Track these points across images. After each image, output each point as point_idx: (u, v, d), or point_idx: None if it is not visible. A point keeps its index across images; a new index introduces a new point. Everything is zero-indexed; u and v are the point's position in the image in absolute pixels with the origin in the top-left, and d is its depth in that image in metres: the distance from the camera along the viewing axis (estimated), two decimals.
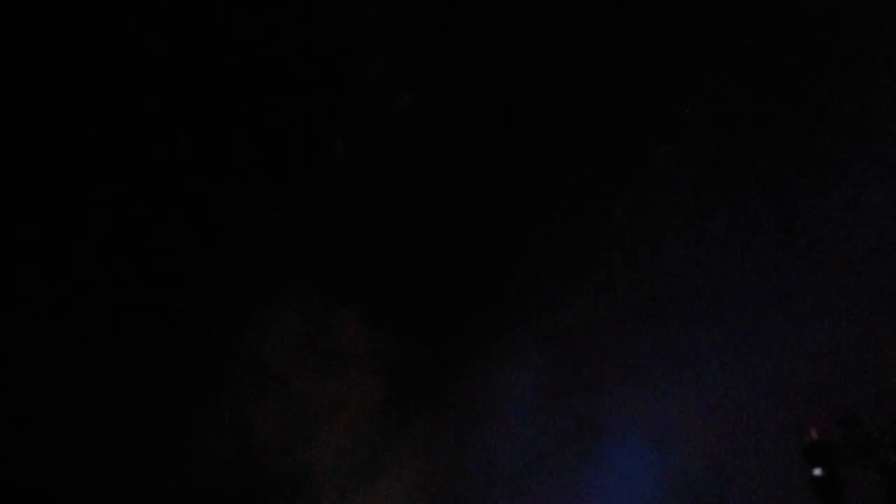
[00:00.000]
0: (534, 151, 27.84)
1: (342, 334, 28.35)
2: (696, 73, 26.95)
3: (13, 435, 25.49)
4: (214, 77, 26.91)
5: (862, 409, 18.13)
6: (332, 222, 28.44)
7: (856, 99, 24.95)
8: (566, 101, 27.50)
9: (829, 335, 23.22)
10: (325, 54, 27.65)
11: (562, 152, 27.74)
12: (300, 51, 27.64)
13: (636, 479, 24.78)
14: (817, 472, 18.10)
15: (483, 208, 28.15)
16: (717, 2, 26.87)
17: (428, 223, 28.09)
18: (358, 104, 28.11)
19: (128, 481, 25.82)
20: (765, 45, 26.28)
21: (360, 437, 27.81)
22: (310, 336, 28.30)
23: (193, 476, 26.46)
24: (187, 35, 26.79)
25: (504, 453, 26.69)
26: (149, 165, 26.85)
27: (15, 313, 25.57)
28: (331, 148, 28.18)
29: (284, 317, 28.14)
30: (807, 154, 25.46)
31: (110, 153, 26.68)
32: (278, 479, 27.28)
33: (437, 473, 27.24)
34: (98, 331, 26.13)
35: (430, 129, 27.96)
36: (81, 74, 26.24)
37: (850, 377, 21.63)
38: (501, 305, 27.72)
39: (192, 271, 27.30)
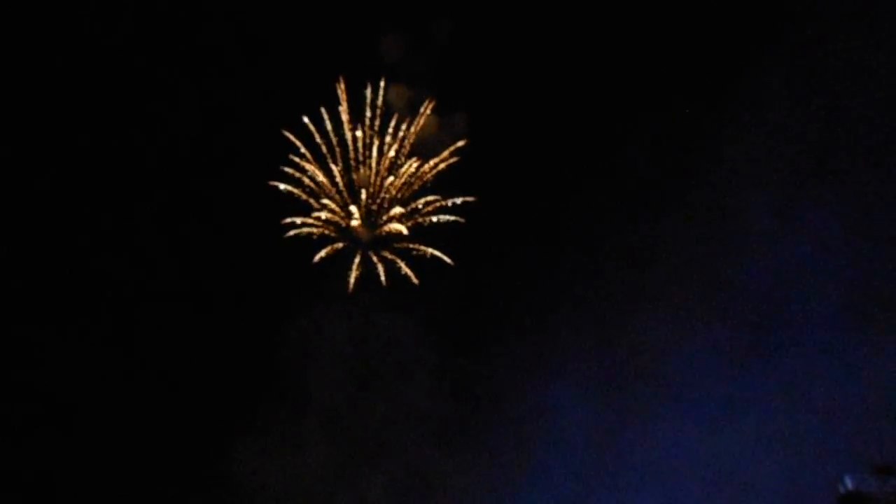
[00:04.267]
0: (596, 164, 27.03)
1: (393, 357, 28.34)
2: (776, 62, 24.69)
3: (56, 469, 26.33)
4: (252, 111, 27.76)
5: None
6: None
7: None
8: (630, 108, 26.22)
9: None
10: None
11: (624, 165, 26.67)
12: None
13: None
14: None
15: (542, 232, 27.69)
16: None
17: (487, 245, 27.78)
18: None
19: None
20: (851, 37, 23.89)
21: (405, 469, 27.66)
22: (357, 358, 28.41)
23: None
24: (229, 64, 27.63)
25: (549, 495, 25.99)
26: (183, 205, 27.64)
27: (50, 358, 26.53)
28: None
29: (332, 337, 28.34)
30: None
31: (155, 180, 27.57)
32: None
33: None
34: (137, 359, 26.88)
35: (487, 147, 27.74)
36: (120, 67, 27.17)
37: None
38: (552, 336, 27.05)
39: (235, 291, 27.90)
